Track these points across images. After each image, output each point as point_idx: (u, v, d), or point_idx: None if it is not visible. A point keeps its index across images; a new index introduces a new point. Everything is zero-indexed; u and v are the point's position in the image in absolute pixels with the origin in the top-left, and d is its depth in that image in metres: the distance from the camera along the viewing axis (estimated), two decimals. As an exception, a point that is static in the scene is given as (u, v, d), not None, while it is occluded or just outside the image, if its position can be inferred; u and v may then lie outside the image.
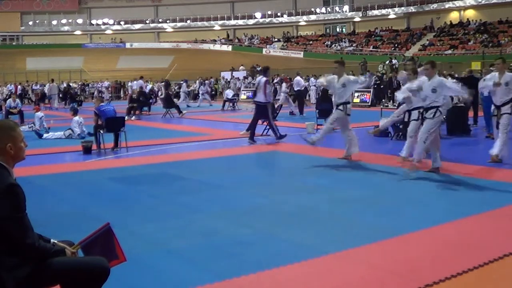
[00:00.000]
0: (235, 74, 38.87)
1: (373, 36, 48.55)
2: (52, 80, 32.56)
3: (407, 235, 4.91)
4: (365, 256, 4.38)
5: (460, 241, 4.73)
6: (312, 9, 55.71)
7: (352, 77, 9.85)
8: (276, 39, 55.07)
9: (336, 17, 54.39)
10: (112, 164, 9.78)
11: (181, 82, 31.19)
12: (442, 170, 8.14)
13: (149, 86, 26.92)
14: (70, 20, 61.60)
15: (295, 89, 21.59)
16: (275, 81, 32.15)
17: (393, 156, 9.84)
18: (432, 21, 46.33)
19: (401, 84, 10.16)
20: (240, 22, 58.92)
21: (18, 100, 19.21)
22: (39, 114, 15.27)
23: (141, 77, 26.91)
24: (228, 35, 58.76)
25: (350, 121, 9.34)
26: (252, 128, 12.06)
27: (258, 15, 57.74)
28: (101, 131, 10.99)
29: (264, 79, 12.02)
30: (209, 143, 12.58)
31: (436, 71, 7.98)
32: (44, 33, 60.87)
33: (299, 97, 20.61)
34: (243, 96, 29.88)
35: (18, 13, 59.78)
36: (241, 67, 41.08)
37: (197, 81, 34.27)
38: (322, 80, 9.71)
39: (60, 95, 33.38)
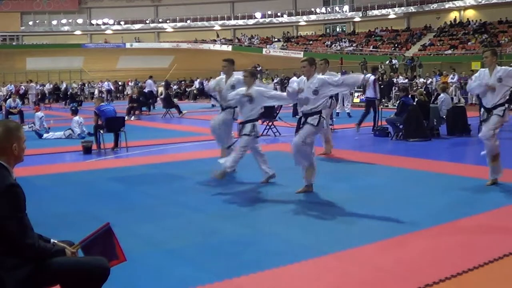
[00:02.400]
0: (235, 74, 38.80)
1: (373, 36, 48.53)
2: (30, 81, 33.29)
3: (407, 235, 4.91)
4: (365, 256, 4.38)
5: (460, 241, 4.73)
6: (312, 9, 55.68)
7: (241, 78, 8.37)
8: (276, 39, 55.04)
9: (336, 17, 54.34)
10: (112, 164, 9.77)
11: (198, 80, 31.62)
12: (443, 170, 8.14)
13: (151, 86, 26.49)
14: (70, 20, 61.56)
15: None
16: (274, 81, 32.17)
17: (393, 156, 9.86)
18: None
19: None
20: (240, 22, 58.90)
21: (18, 100, 19.22)
22: (39, 114, 15.30)
23: (151, 77, 26.61)
24: (218, 35, 58.49)
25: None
26: (362, 118, 13.50)
27: (258, 15, 57.71)
28: (101, 131, 11.00)
29: (373, 77, 13.26)
30: (209, 143, 12.54)
31: (315, 69, 6.81)
32: (44, 33, 60.83)
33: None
34: (243, 96, 29.83)
35: (18, 13, 59.73)
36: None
37: (197, 81, 34.27)
38: (212, 84, 8.55)
39: (61, 95, 33.52)
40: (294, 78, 7.63)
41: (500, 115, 6.81)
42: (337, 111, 17.37)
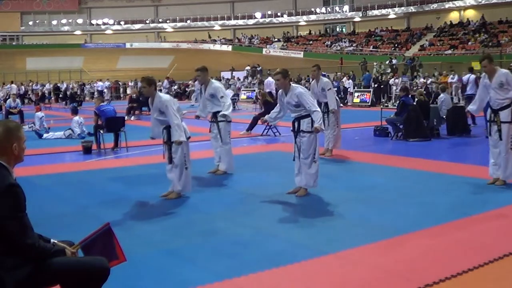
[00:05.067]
0: (235, 74, 38.85)
1: (373, 36, 48.54)
2: (12, 82, 34.10)
3: (407, 235, 4.91)
4: (365, 256, 4.38)
5: (460, 241, 4.73)
6: (312, 9, 55.72)
7: (219, 85, 8.57)
8: (276, 39, 55.07)
9: (336, 17, 54.39)
10: (112, 164, 9.78)
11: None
12: (443, 170, 8.14)
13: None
14: (70, 20, 61.61)
15: (266, 91, 20.17)
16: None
17: (393, 156, 9.85)
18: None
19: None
20: (240, 22, 58.94)
21: (18, 100, 19.23)
22: (39, 114, 15.30)
23: None
24: (210, 36, 58.48)
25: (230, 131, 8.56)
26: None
27: (258, 15, 57.75)
28: (101, 131, 11.00)
29: (474, 76, 13.88)
30: (209, 143, 12.54)
31: (289, 81, 6.77)
32: (44, 33, 60.87)
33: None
34: (243, 96, 29.86)
35: (18, 13, 59.77)
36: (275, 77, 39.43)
37: (196, 82, 34.22)
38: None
39: (60, 95, 33.52)
40: (270, 79, 7.63)
41: (509, 121, 6.82)
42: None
